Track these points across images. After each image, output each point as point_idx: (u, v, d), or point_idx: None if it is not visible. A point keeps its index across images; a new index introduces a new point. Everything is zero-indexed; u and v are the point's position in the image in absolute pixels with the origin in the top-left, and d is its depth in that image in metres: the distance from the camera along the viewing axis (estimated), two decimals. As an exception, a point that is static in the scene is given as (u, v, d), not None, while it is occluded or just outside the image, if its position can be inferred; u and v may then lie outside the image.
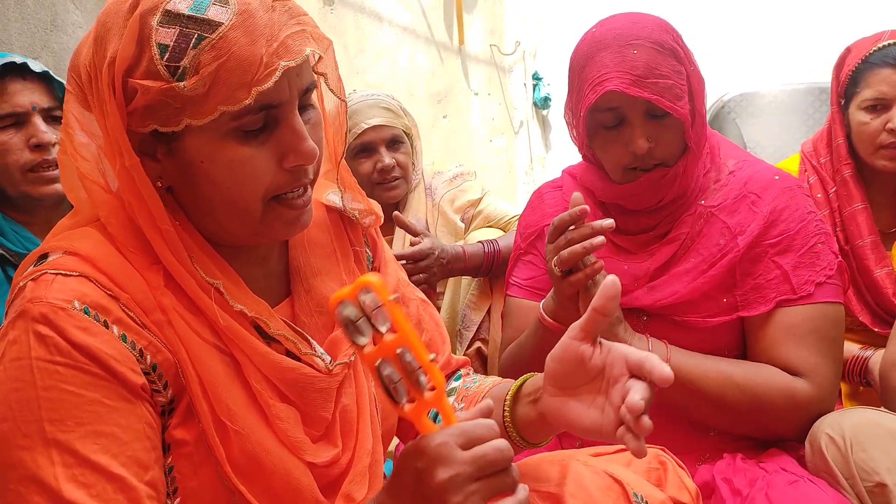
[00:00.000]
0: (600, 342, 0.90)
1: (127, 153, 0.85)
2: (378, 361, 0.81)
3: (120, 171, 0.87)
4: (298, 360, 0.95)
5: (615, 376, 0.88)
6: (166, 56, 0.81)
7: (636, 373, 0.86)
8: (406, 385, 0.81)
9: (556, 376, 0.93)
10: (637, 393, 0.83)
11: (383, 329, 0.80)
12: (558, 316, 1.39)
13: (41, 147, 1.62)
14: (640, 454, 0.83)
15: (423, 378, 0.81)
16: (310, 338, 0.98)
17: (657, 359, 0.85)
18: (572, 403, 0.92)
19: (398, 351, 0.80)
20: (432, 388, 0.82)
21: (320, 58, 0.90)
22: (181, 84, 0.80)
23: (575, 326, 0.91)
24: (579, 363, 0.90)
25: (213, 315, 0.89)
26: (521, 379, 1.04)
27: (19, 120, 1.62)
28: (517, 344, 1.55)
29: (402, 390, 0.81)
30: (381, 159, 2.17)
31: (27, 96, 1.62)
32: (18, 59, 1.63)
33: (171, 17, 0.81)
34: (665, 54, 1.34)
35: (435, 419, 0.85)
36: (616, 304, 0.89)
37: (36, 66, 1.65)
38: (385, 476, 1.15)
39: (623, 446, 1.12)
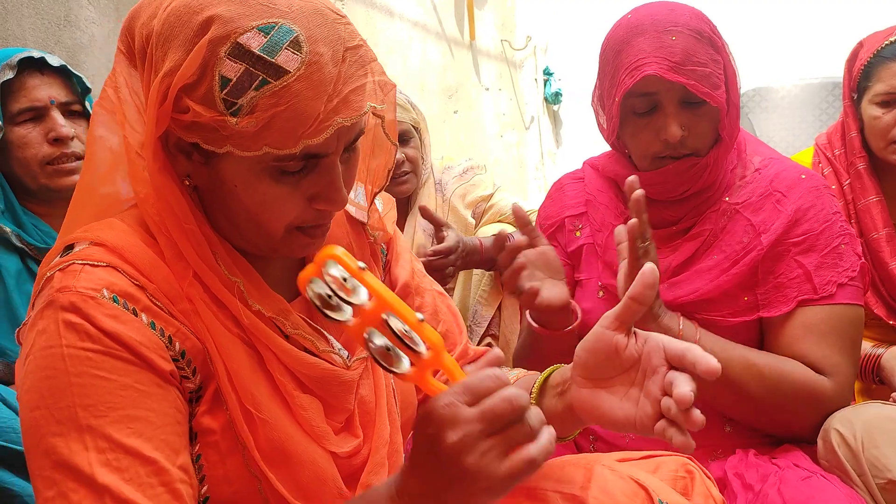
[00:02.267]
0: (635, 332, 0.88)
1: (157, 157, 0.86)
2: (366, 332, 0.77)
3: (150, 165, 0.87)
4: (317, 355, 0.96)
5: (652, 367, 0.84)
6: (226, 90, 0.80)
7: (676, 364, 0.83)
8: (401, 350, 0.77)
9: (587, 367, 0.90)
10: (686, 385, 0.80)
11: (362, 299, 0.76)
12: (541, 320, 1.41)
13: (60, 141, 1.65)
14: (687, 449, 0.80)
15: (417, 339, 0.77)
16: (327, 333, 0.98)
17: (700, 349, 0.81)
18: (604, 395, 0.89)
19: (383, 317, 0.76)
20: (429, 349, 0.78)
21: (377, 106, 0.88)
22: (234, 119, 0.80)
23: (609, 315, 0.88)
24: (613, 353, 0.87)
25: (237, 311, 0.90)
26: (548, 370, 1.03)
27: (38, 114, 1.64)
28: (519, 346, 1.57)
29: (398, 356, 0.78)
30: (391, 154, 2.16)
31: (45, 90, 1.65)
32: (36, 54, 1.65)
33: (241, 53, 0.79)
34: (703, 42, 1.33)
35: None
36: (653, 293, 0.86)
37: (54, 61, 1.67)
38: None
39: (650, 452, 1.12)
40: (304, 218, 0.90)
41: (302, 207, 0.88)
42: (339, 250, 0.78)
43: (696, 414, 0.79)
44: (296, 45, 0.80)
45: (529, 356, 1.49)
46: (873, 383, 1.74)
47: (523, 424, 0.74)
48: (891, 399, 1.61)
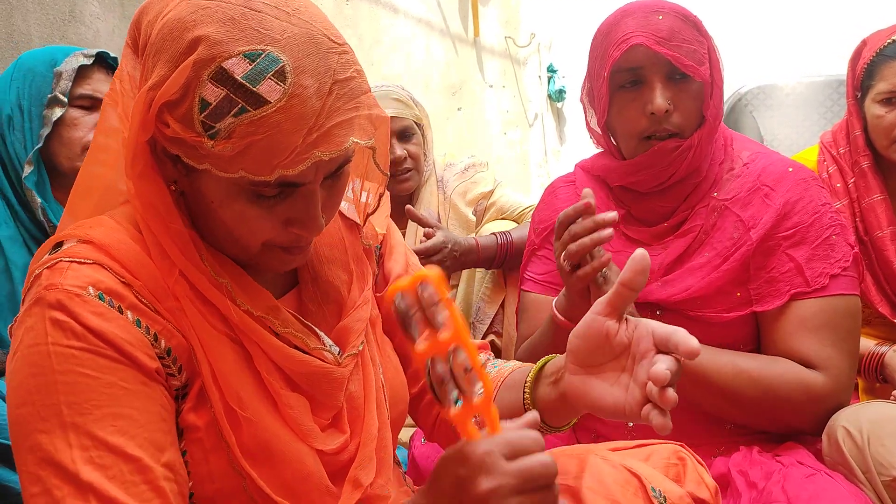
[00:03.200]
0: (626, 318, 0.88)
1: (143, 159, 0.86)
2: (431, 358, 0.79)
3: (128, 170, 0.88)
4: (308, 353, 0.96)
5: (642, 352, 0.85)
6: (205, 113, 0.79)
7: (663, 348, 0.84)
8: (455, 386, 0.79)
9: (580, 353, 0.91)
10: (663, 363, 0.81)
11: (439, 326, 0.78)
12: (570, 314, 1.39)
13: None
14: (664, 429, 0.81)
15: (475, 381, 0.79)
16: (318, 330, 0.98)
17: (684, 332, 0.82)
18: (595, 382, 0.90)
19: (451, 350, 0.78)
20: (482, 395, 0.80)
21: (369, 141, 0.88)
22: (210, 143, 0.80)
23: (601, 301, 0.88)
24: (604, 339, 0.88)
25: (227, 310, 0.90)
26: (542, 360, 1.03)
27: (95, 104, 1.72)
28: (531, 342, 1.55)
29: (450, 391, 0.79)
30: (393, 151, 2.16)
31: (108, 87, 1.71)
32: (112, 55, 1.75)
33: (224, 78, 0.79)
34: (689, 24, 1.40)
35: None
36: (644, 279, 0.86)
37: None
38: (399, 462, 1.15)
39: (642, 441, 1.12)
40: (280, 239, 0.90)
41: (277, 230, 0.88)
42: (437, 275, 0.78)
43: (670, 392, 0.80)
44: (280, 75, 0.79)
45: (544, 350, 1.47)
46: (877, 381, 1.74)
47: (551, 491, 0.77)
48: (892, 397, 1.61)
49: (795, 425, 1.37)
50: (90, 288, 0.83)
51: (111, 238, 0.88)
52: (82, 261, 0.85)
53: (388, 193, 1.15)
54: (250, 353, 0.91)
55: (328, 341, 0.98)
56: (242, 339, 0.91)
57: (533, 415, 0.83)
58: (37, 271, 0.86)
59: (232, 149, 0.79)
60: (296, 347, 0.94)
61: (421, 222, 2.05)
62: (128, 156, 0.86)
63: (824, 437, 1.30)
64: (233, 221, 0.87)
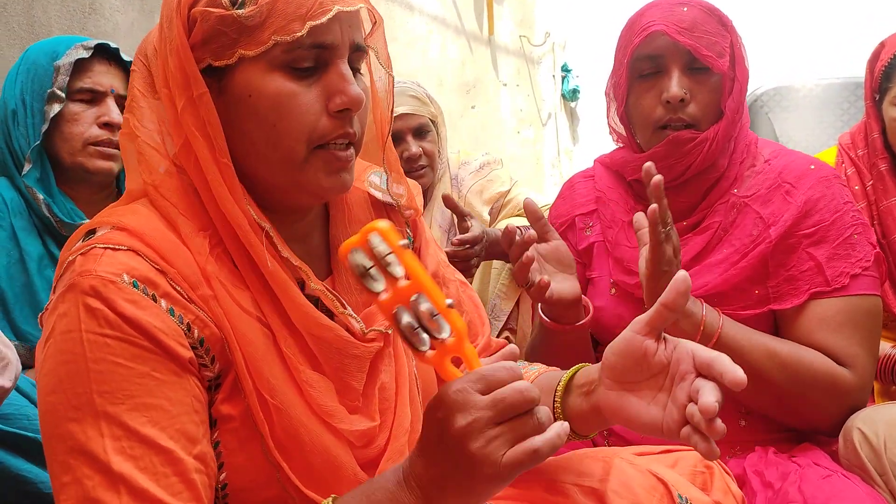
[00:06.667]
0: (665, 338, 0.88)
1: (196, 82, 0.87)
2: (395, 309, 0.79)
3: (184, 108, 0.88)
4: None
5: (681, 373, 0.85)
6: None
7: (704, 372, 0.83)
8: (426, 331, 0.80)
9: (616, 370, 0.90)
10: (711, 395, 0.80)
11: (397, 275, 0.78)
12: (552, 314, 1.42)
13: (109, 126, 1.72)
14: (711, 456, 0.81)
15: (443, 324, 0.79)
16: (345, 303, 0.97)
17: (728, 360, 0.81)
18: (631, 399, 0.89)
19: (414, 298, 0.79)
20: (452, 335, 0.80)
21: (373, 29, 0.94)
22: (239, 11, 0.84)
23: (640, 320, 0.88)
24: (642, 358, 0.87)
25: (261, 258, 0.89)
26: (573, 369, 1.03)
27: (95, 97, 1.72)
28: (530, 343, 1.58)
29: (422, 337, 0.79)
30: (408, 148, 2.17)
31: (109, 79, 1.74)
32: (113, 45, 1.76)
33: None
34: (713, 18, 1.41)
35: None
36: (685, 301, 0.86)
37: (126, 57, 1.76)
38: None
39: (669, 447, 1.11)
40: (323, 127, 0.90)
41: (318, 112, 0.89)
42: (386, 224, 0.79)
43: (719, 424, 0.79)
44: None
45: (541, 351, 1.50)
46: (893, 384, 1.73)
47: (531, 417, 0.76)
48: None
49: (816, 418, 1.35)
50: (125, 275, 0.82)
51: (145, 225, 0.88)
52: (117, 247, 0.85)
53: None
54: (276, 334, 0.90)
55: (357, 317, 0.97)
56: (268, 314, 0.90)
57: (511, 348, 0.83)
58: (70, 258, 0.85)
59: (260, 13, 0.84)
60: (324, 313, 0.94)
61: (457, 211, 2.05)
62: (194, 83, 0.88)
63: (840, 439, 1.30)
64: (274, 112, 0.88)
